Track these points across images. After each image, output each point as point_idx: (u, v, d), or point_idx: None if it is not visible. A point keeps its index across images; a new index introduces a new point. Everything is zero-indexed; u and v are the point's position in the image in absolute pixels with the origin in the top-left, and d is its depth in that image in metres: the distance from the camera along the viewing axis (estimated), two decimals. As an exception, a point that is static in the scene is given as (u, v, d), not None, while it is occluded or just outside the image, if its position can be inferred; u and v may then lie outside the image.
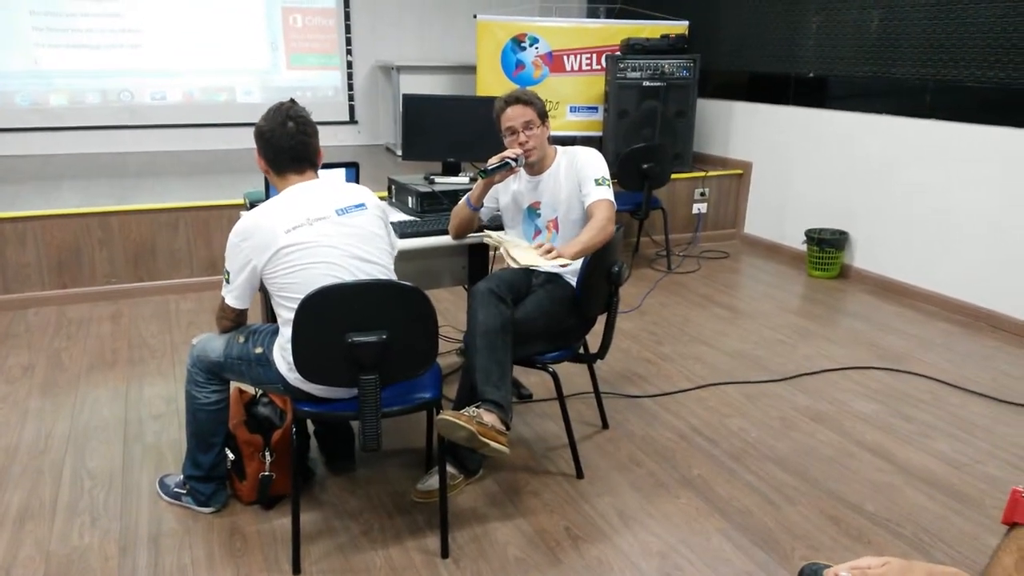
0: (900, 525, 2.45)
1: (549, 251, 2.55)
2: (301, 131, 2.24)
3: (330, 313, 2.06)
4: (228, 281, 2.24)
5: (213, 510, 2.47)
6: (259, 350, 2.28)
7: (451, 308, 4.28)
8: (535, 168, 2.81)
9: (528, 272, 2.86)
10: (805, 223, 5.26)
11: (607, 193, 2.70)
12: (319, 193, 2.25)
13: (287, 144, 2.23)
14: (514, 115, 2.72)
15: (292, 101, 2.30)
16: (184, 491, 2.49)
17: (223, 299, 2.27)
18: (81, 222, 4.37)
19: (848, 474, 2.74)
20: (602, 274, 2.68)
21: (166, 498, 2.52)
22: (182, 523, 2.41)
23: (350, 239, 2.20)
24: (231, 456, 2.49)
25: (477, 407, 2.37)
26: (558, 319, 2.67)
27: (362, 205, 2.28)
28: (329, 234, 2.18)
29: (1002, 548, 0.97)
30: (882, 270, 4.86)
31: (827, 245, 5.01)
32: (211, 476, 2.45)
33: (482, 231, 3.01)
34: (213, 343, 2.36)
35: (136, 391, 3.31)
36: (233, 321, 2.34)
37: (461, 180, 3.50)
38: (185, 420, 2.46)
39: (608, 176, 2.75)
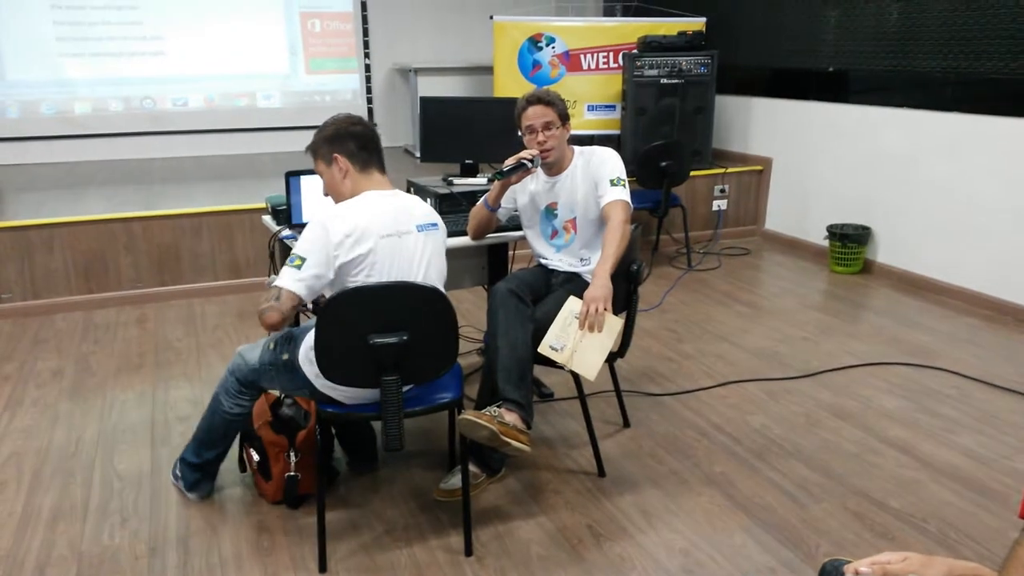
0: (925, 521, 2.44)
1: (593, 311, 2.45)
2: (374, 129, 2.32)
3: (352, 315, 2.08)
4: (299, 268, 2.09)
5: (196, 497, 2.56)
6: (286, 356, 2.31)
7: (472, 308, 4.30)
8: (553, 169, 2.82)
9: (547, 271, 2.88)
10: (827, 218, 5.23)
11: (623, 194, 2.70)
12: (405, 204, 2.27)
13: (372, 136, 2.29)
14: (534, 115, 2.72)
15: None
16: (180, 473, 2.60)
17: (281, 288, 2.09)
18: (106, 228, 4.44)
19: (873, 470, 2.73)
20: (621, 273, 2.68)
21: (171, 479, 2.65)
22: (210, 523, 2.45)
23: (424, 256, 2.25)
24: (256, 457, 2.52)
25: (498, 407, 2.38)
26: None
27: (435, 225, 2.33)
28: (410, 249, 2.22)
29: (1019, 543, 0.97)
30: (905, 265, 4.82)
31: (849, 240, 4.97)
32: (202, 468, 2.54)
33: (501, 231, 3.02)
34: (253, 351, 2.40)
35: (163, 394, 3.36)
36: (284, 313, 2.10)
37: (479, 181, 3.51)
38: (204, 414, 2.51)
39: (624, 176, 2.75)
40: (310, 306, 2.24)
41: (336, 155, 2.26)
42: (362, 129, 2.28)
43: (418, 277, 2.23)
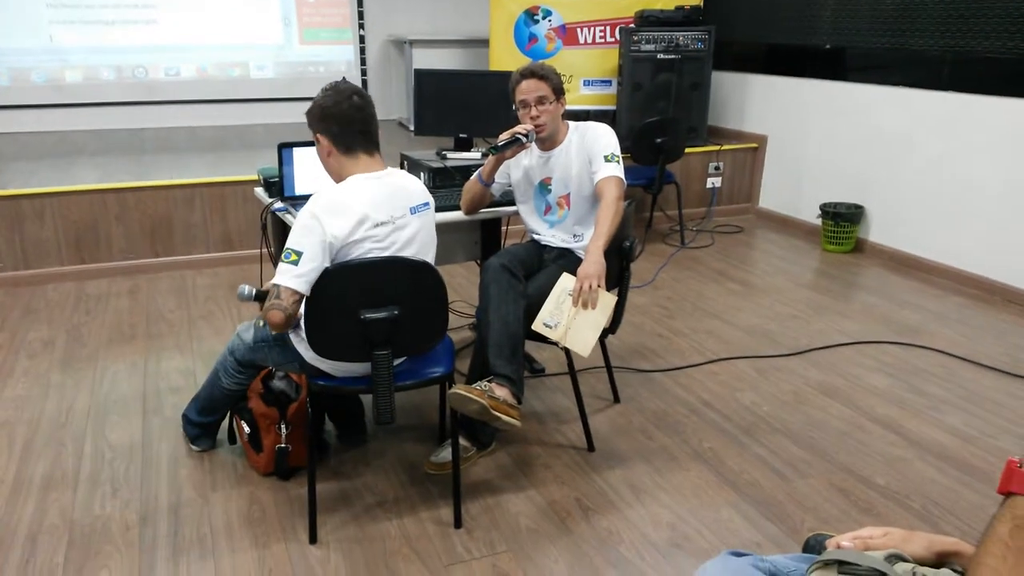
0: (910, 498, 2.47)
1: (587, 288, 2.46)
2: (368, 103, 2.18)
3: (342, 291, 2.08)
4: (296, 263, 2.01)
5: (198, 450, 2.70)
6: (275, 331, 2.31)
7: (464, 283, 4.31)
8: (547, 143, 2.81)
9: (540, 247, 2.88)
10: (820, 197, 5.23)
11: (616, 170, 2.69)
12: (397, 187, 2.20)
13: (357, 117, 2.15)
14: (528, 89, 2.70)
15: (344, 79, 2.25)
16: (184, 426, 2.74)
17: (279, 286, 2.02)
18: (98, 198, 4.42)
19: (859, 447, 2.75)
20: (613, 249, 2.68)
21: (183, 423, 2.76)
22: (201, 494, 2.47)
23: (416, 241, 2.22)
24: (247, 429, 2.54)
25: (489, 381, 2.40)
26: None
27: (427, 204, 2.29)
28: (404, 233, 2.18)
29: (997, 517, 0.98)
30: (897, 244, 4.83)
31: (842, 219, 4.97)
32: (203, 427, 2.68)
33: (494, 206, 3.01)
34: (250, 330, 2.42)
35: (154, 365, 3.37)
36: (288, 310, 2.02)
37: (473, 155, 3.50)
38: (204, 383, 2.61)
39: (619, 152, 2.74)
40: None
41: (318, 135, 2.19)
42: (348, 107, 2.13)
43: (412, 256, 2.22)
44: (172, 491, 2.48)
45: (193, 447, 2.70)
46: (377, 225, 2.12)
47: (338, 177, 2.21)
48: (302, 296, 2.04)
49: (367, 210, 2.10)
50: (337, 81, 2.22)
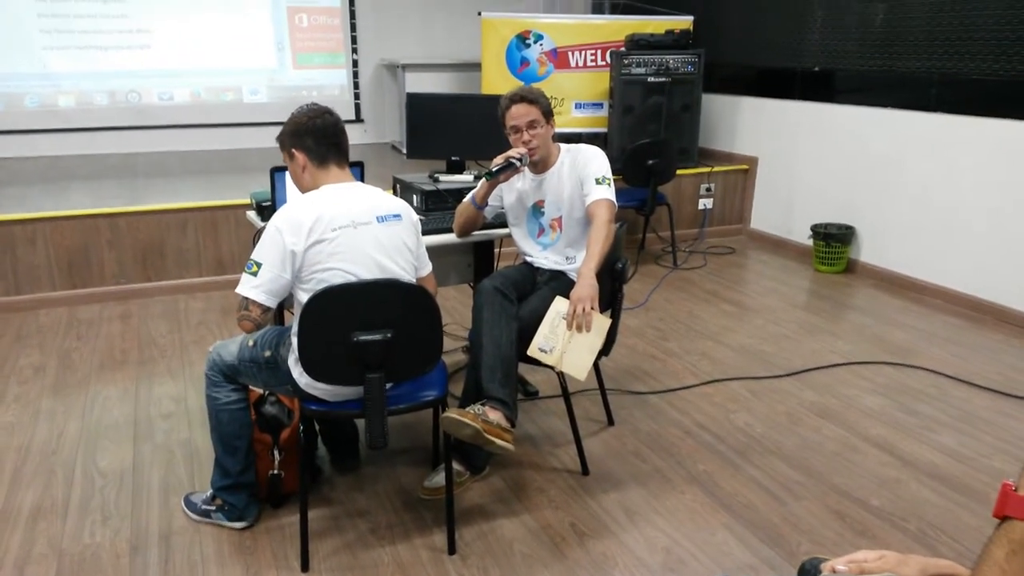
0: (905, 520, 2.46)
1: (580, 311, 2.46)
2: (339, 120, 2.30)
3: (335, 312, 2.08)
4: (255, 274, 2.12)
5: (246, 524, 2.40)
6: (268, 353, 2.29)
7: (457, 306, 4.30)
8: (539, 166, 2.82)
9: (533, 269, 2.88)
10: (811, 218, 5.26)
11: (607, 192, 2.71)
12: (362, 196, 2.24)
13: (331, 131, 2.25)
14: (518, 114, 2.72)
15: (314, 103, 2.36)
16: (213, 507, 2.42)
17: (244, 298, 2.14)
18: (90, 223, 4.41)
19: (853, 469, 2.75)
20: (606, 271, 2.69)
21: (195, 517, 2.44)
22: (192, 521, 2.44)
23: (383, 247, 2.21)
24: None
25: (482, 405, 2.39)
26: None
27: (399, 215, 2.29)
28: (367, 240, 2.18)
29: (993, 541, 0.98)
30: (888, 264, 4.85)
31: (833, 240, 5.00)
32: (240, 483, 2.38)
33: (487, 229, 3.02)
34: (229, 347, 2.38)
35: (146, 391, 3.34)
36: (256, 320, 2.16)
37: (465, 178, 3.51)
38: (209, 427, 2.41)
39: (610, 175, 2.75)
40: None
41: (294, 151, 2.26)
42: (321, 123, 2.24)
43: (386, 267, 2.21)
44: (163, 519, 2.46)
45: (239, 524, 2.39)
46: (336, 229, 2.14)
47: (313, 181, 2.28)
48: (267, 307, 2.15)
49: (326, 214, 2.14)
50: (308, 103, 2.32)
